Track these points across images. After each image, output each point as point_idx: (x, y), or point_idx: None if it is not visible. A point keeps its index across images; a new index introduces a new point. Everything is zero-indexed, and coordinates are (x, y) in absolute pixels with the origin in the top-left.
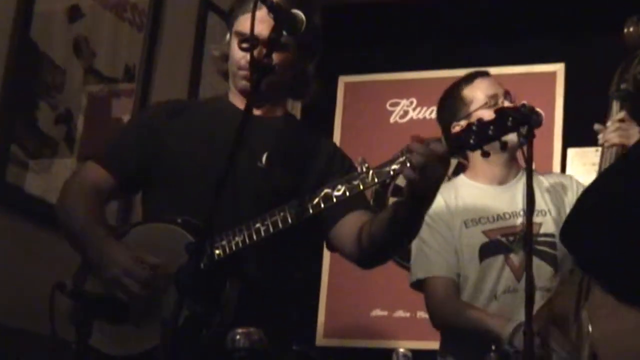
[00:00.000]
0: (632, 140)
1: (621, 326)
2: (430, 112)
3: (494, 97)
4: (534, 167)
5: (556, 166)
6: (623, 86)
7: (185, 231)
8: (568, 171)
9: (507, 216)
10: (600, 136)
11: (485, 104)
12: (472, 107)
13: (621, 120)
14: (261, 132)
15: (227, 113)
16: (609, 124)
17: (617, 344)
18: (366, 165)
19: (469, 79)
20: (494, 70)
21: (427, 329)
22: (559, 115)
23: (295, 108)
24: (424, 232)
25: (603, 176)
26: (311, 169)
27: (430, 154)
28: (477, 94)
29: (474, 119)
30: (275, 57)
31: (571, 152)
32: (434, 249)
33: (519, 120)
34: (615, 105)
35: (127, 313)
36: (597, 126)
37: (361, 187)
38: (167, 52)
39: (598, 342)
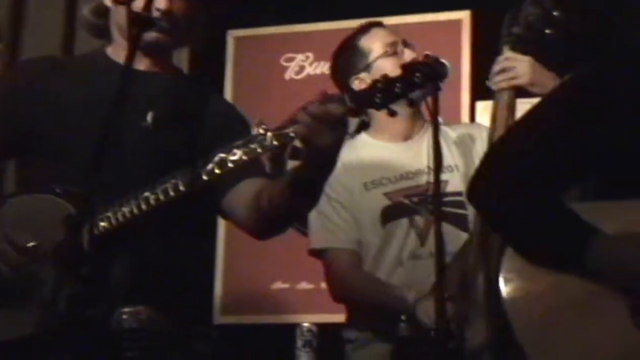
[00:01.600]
0: (523, 79)
1: (532, 289)
2: (328, 68)
3: (393, 44)
4: (440, 120)
5: (465, 120)
6: (514, 30)
7: (66, 202)
8: None
9: (411, 175)
10: (487, 82)
11: (385, 52)
12: (371, 57)
13: (507, 60)
14: (146, 89)
15: (108, 70)
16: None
17: (529, 308)
18: (264, 127)
19: (364, 30)
20: (395, 20)
21: (332, 301)
22: (466, 66)
23: (183, 65)
24: (321, 200)
25: (514, 127)
26: (204, 128)
27: (330, 117)
28: (375, 44)
29: (374, 70)
30: (169, 5)
31: (480, 105)
32: (333, 219)
33: (427, 76)
34: (506, 52)
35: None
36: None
37: (259, 150)
38: (37, 7)
39: (509, 306)
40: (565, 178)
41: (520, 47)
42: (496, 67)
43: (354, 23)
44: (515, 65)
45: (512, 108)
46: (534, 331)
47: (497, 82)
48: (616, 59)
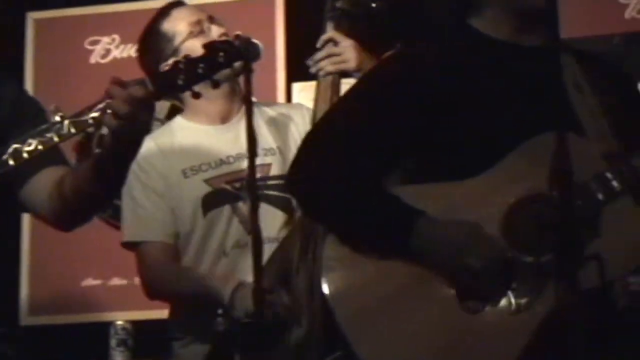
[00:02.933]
0: (350, 64)
1: (355, 278)
2: (136, 50)
3: (198, 23)
4: (256, 100)
5: (281, 102)
6: (339, 4)
7: None
8: None
9: (232, 160)
10: (310, 63)
11: (190, 33)
12: (177, 41)
13: (332, 41)
14: None
15: None
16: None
17: (351, 296)
18: (60, 114)
19: (164, 13)
20: None
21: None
22: (281, 46)
23: None
24: (135, 189)
25: (332, 110)
26: None
27: (132, 99)
28: (179, 26)
29: (183, 53)
30: None
31: (297, 86)
32: (147, 209)
33: (232, 55)
34: (329, 28)
35: None
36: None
37: (56, 139)
38: None
39: (331, 295)
40: (386, 161)
41: (346, 22)
42: (321, 53)
43: (161, 2)
44: (342, 51)
45: (335, 88)
46: (357, 321)
47: (322, 66)
48: (433, 37)
